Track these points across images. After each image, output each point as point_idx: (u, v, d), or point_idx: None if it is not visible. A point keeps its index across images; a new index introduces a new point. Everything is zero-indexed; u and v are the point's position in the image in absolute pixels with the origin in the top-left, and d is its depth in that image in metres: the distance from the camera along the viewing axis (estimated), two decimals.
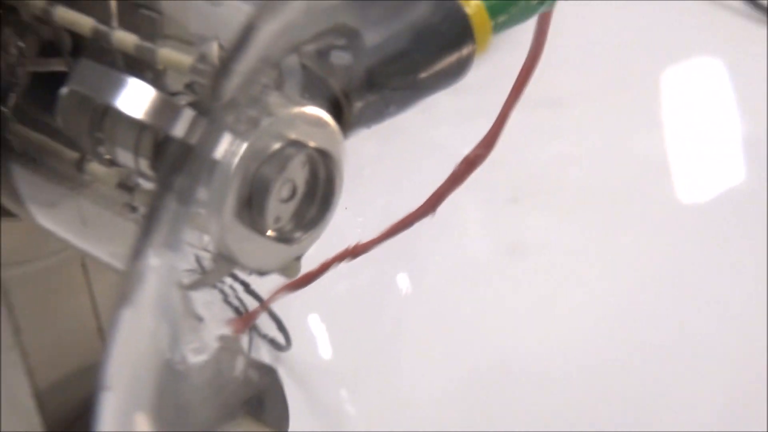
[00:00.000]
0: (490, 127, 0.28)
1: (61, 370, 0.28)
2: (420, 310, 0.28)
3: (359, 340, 0.28)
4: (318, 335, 0.29)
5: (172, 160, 0.18)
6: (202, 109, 0.18)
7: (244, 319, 0.31)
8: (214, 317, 0.24)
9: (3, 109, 0.24)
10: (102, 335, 0.28)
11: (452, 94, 0.25)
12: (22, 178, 0.25)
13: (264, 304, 0.31)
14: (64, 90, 0.22)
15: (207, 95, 0.19)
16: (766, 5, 0.57)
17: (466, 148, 0.26)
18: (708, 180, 0.36)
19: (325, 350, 0.28)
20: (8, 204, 0.25)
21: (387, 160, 0.26)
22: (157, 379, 0.21)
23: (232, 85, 0.18)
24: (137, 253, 0.18)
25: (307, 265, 0.29)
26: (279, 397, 0.28)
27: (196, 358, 0.24)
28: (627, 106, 0.34)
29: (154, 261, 0.19)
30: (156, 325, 0.20)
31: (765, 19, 0.58)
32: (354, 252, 0.30)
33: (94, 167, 0.23)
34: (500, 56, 0.26)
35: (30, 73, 0.24)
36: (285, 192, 0.21)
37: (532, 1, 0.26)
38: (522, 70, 0.29)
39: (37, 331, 0.27)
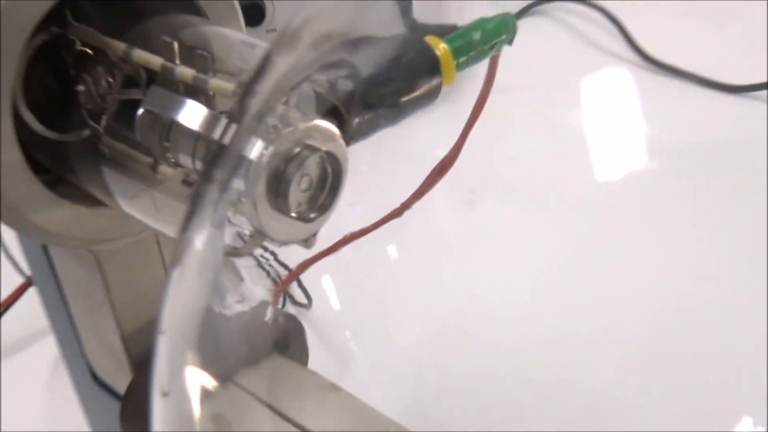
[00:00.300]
0: (455, 142, 0.28)
1: (140, 319, 0.28)
2: (404, 273, 0.28)
3: (359, 296, 0.27)
4: (329, 292, 0.29)
5: (211, 157, 0.18)
6: (233, 118, 0.18)
7: (281, 284, 0.30)
8: (251, 278, 0.24)
9: (98, 127, 0.24)
10: None
11: (426, 115, 0.25)
12: (111, 177, 0.24)
13: (295, 272, 0.31)
14: (140, 111, 0.22)
15: (235, 108, 0.19)
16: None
17: (437, 152, 0.26)
18: (620, 169, 0.35)
19: (334, 303, 0.28)
20: (101, 197, 0.25)
21: (379, 162, 0.26)
22: (200, 324, 0.21)
23: (255, 101, 0.18)
24: (184, 227, 0.18)
25: (323, 243, 0.29)
26: (301, 338, 0.28)
27: (237, 308, 0.24)
28: (554, 119, 0.33)
29: (198, 234, 0.18)
30: (200, 282, 0.20)
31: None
32: (357, 235, 0.30)
33: (164, 169, 0.23)
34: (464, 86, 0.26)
35: (116, 101, 0.24)
36: (303, 184, 0.20)
37: (485, 47, 0.25)
38: (478, 99, 0.28)
39: (122, 290, 0.27)
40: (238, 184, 0.19)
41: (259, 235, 0.21)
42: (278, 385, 0.27)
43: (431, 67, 0.24)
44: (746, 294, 0.33)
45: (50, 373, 0.57)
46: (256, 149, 0.19)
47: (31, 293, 0.59)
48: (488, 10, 0.26)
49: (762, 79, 0.53)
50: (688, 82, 0.53)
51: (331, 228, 0.24)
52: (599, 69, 0.52)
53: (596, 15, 0.58)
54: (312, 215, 0.21)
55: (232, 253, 0.21)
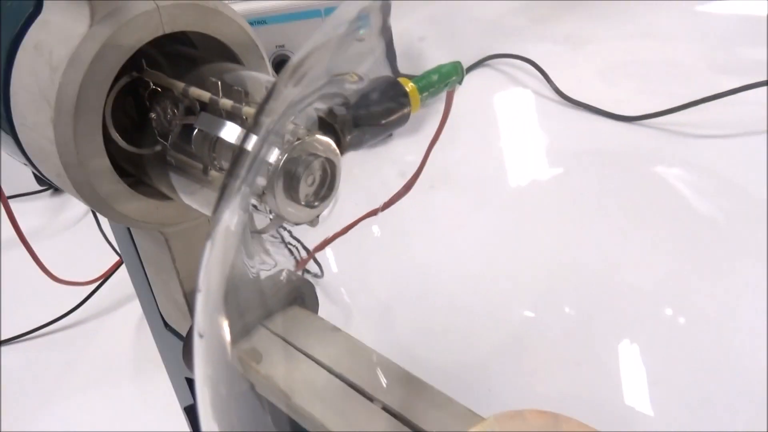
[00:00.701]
0: (422, 158, 0.28)
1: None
2: (384, 244, 0.28)
3: (351, 263, 0.27)
4: (330, 261, 0.28)
5: (233, 159, 0.18)
6: (249, 130, 0.18)
7: (302, 262, 0.30)
8: (276, 250, 0.24)
9: (165, 144, 0.23)
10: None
11: (401, 135, 0.25)
12: (176, 179, 0.24)
13: (312, 252, 0.30)
14: (195, 131, 0.22)
15: (251, 123, 0.19)
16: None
17: (408, 158, 0.25)
18: (537, 172, 0.35)
19: (333, 268, 0.28)
20: (168, 193, 0.25)
21: (366, 167, 0.26)
22: (226, 282, 0.20)
23: (266, 118, 0.18)
24: (216, 210, 0.18)
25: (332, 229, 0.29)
26: (312, 294, 0.27)
27: (263, 271, 0.24)
28: (492, 137, 0.33)
29: (226, 215, 0.18)
30: (224, 250, 0.20)
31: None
32: (351, 226, 0.30)
33: (213, 173, 0.22)
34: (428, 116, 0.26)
35: (179, 125, 0.23)
36: (310, 181, 0.20)
37: (441, 85, 0.25)
38: (439, 124, 0.27)
39: (184, 260, 0.26)
40: (261, 181, 0.19)
41: (279, 218, 0.20)
42: (294, 327, 0.26)
43: (403, 100, 0.24)
44: (634, 264, 0.32)
45: (137, 326, 0.56)
46: (274, 155, 0.19)
47: (123, 269, 0.59)
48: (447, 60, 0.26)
49: (649, 111, 0.54)
50: (594, 113, 0.53)
51: (337, 217, 0.24)
52: (528, 104, 0.52)
53: (528, 66, 0.58)
54: (316, 203, 0.20)
55: (260, 231, 0.21)
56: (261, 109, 0.17)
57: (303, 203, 0.20)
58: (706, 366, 0.23)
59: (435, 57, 0.26)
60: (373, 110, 0.23)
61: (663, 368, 0.24)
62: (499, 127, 0.32)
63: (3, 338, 0.54)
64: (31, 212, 0.73)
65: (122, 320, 0.57)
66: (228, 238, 0.20)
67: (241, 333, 0.25)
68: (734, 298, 0.27)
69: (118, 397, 0.49)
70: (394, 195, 0.28)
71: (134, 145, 0.23)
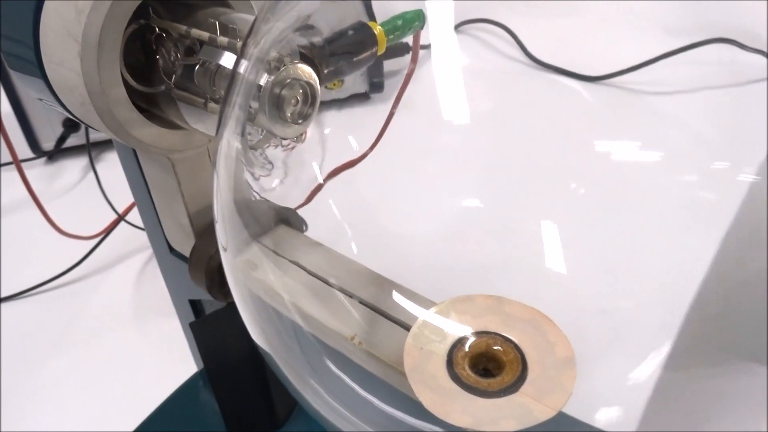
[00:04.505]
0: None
1: (200, 204, 0.30)
2: (370, 192, 0.31)
3: (350, 206, 0.30)
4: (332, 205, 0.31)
5: (228, 86, 0.22)
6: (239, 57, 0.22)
7: (311, 195, 0.31)
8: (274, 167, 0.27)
9: (169, 82, 0.26)
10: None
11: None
12: (185, 110, 0.27)
13: (317, 188, 0.32)
14: (197, 67, 0.25)
15: (240, 53, 0.22)
16: None
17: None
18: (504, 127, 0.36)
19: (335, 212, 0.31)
20: (179, 122, 0.28)
21: (340, 132, 0.28)
22: (233, 205, 0.24)
23: (252, 48, 0.21)
24: (217, 132, 0.21)
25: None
26: (296, 217, 0.30)
27: (266, 183, 0.27)
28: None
29: (226, 135, 0.22)
30: (227, 172, 0.23)
31: None
32: (338, 170, 0.33)
33: (212, 105, 0.25)
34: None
35: (181, 65, 0.26)
36: (293, 102, 0.23)
37: (406, 29, 0.28)
38: (407, 73, 0.30)
39: (189, 183, 0.29)
40: (253, 104, 0.23)
41: (269, 134, 0.24)
42: (282, 242, 0.30)
43: (371, 40, 0.27)
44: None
45: (136, 279, 0.60)
46: (264, 79, 0.22)
47: (121, 226, 0.63)
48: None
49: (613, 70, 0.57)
50: (561, 75, 0.56)
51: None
52: (500, 67, 0.56)
53: (500, 30, 0.63)
54: (300, 121, 0.24)
55: (254, 146, 0.25)
56: (247, 40, 0.21)
57: (290, 120, 0.23)
58: (609, 235, 0.28)
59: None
60: (346, 47, 0.26)
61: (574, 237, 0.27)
62: (471, 88, 0.34)
63: (12, 293, 0.58)
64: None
65: (122, 275, 0.61)
66: (230, 158, 0.23)
67: (238, 248, 0.29)
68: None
69: (120, 343, 0.53)
70: (345, 163, 0.31)
71: (144, 85, 0.27)
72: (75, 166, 0.76)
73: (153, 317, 0.55)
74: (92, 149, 0.67)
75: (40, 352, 0.53)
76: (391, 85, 0.62)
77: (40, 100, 0.29)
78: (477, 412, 0.23)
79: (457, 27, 0.60)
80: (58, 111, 0.29)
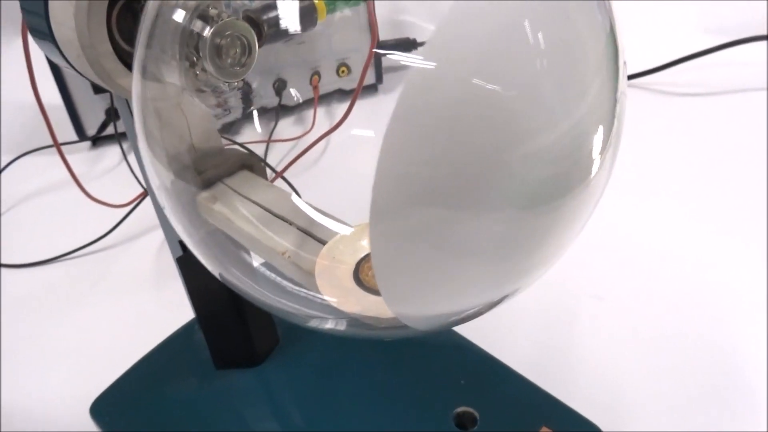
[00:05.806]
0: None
1: (179, 148, 0.34)
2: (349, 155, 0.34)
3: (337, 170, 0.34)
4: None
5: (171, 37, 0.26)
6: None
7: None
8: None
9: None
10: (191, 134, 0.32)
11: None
12: None
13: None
14: None
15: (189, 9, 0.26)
16: None
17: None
18: None
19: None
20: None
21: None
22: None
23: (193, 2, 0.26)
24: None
25: None
26: (258, 164, 0.33)
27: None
28: None
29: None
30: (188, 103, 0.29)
31: None
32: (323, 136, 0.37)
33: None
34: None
35: None
36: (232, 52, 0.26)
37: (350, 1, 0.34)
38: (371, 45, 0.35)
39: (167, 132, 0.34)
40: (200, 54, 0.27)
41: (214, 77, 0.27)
42: (242, 183, 0.34)
43: (312, 11, 0.31)
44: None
45: (158, 250, 0.66)
46: (207, 31, 0.27)
47: (147, 201, 0.69)
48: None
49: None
50: None
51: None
52: None
53: None
54: (238, 68, 0.27)
55: (200, 89, 0.29)
56: None
57: (231, 66, 0.27)
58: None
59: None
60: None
61: None
62: None
63: (50, 257, 0.66)
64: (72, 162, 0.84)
65: (145, 246, 0.68)
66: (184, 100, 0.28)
67: (203, 186, 0.34)
68: None
69: (140, 304, 0.59)
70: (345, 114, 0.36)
71: (130, 46, 0.31)
72: (115, 152, 0.84)
73: (171, 285, 0.60)
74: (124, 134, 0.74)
75: (70, 306, 0.60)
76: (390, 80, 0.66)
77: (58, 63, 0.35)
78: (367, 304, 0.28)
79: None
80: (71, 72, 0.34)
